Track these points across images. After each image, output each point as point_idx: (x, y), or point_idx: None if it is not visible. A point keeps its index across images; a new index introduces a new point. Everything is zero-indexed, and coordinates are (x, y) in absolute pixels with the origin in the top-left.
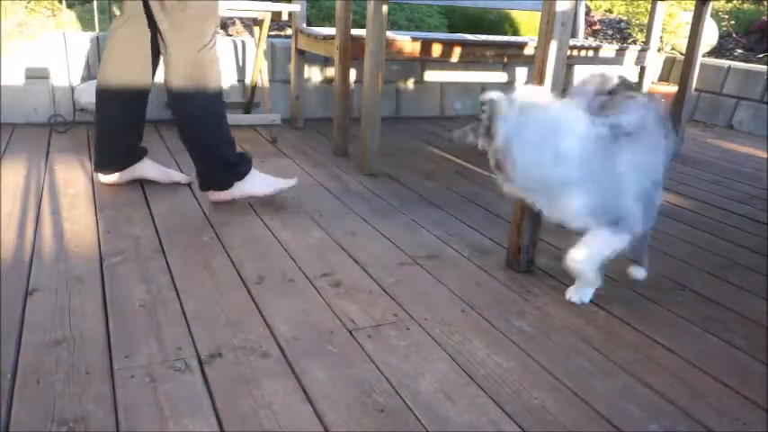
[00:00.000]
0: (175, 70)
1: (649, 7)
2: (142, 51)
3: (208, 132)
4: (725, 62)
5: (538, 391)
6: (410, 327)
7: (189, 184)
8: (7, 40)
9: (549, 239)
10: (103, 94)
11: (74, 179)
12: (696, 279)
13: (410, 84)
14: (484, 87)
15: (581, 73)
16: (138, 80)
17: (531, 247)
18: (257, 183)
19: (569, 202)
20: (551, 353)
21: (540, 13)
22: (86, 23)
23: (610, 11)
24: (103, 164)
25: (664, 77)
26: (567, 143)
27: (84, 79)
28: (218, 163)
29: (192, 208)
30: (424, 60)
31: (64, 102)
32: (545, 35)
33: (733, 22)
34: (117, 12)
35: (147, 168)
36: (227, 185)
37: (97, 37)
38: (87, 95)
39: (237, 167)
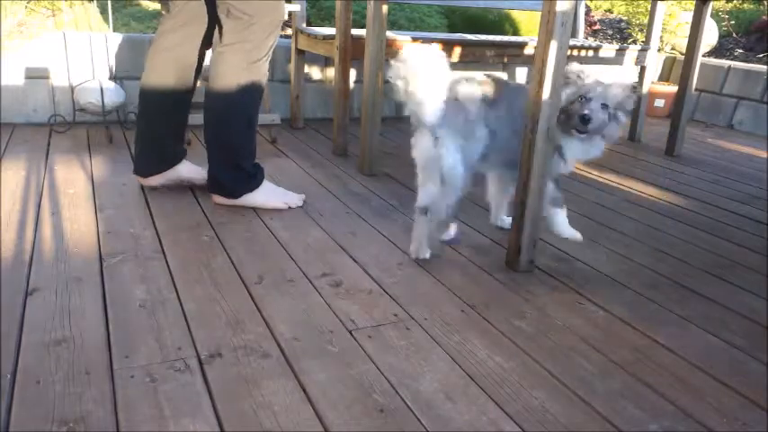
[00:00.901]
0: (224, 73)
1: (649, 7)
2: (192, 55)
3: (232, 136)
4: (725, 62)
5: (538, 391)
6: (410, 327)
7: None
8: (7, 40)
9: (549, 239)
10: (149, 97)
11: (74, 179)
12: (696, 279)
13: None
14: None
15: None
16: (184, 84)
17: (531, 247)
18: (266, 196)
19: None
20: (551, 353)
21: (540, 13)
22: (86, 24)
23: (610, 11)
24: (147, 168)
25: (664, 77)
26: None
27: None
28: (233, 170)
29: (192, 208)
30: None
31: (64, 102)
32: (545, 35)
33: (733, 22)
34: (115, 11)
35: (184, 170)
36: (235, 195)
37: (104, 36)
38: (87, 95)
39: (251, 180)
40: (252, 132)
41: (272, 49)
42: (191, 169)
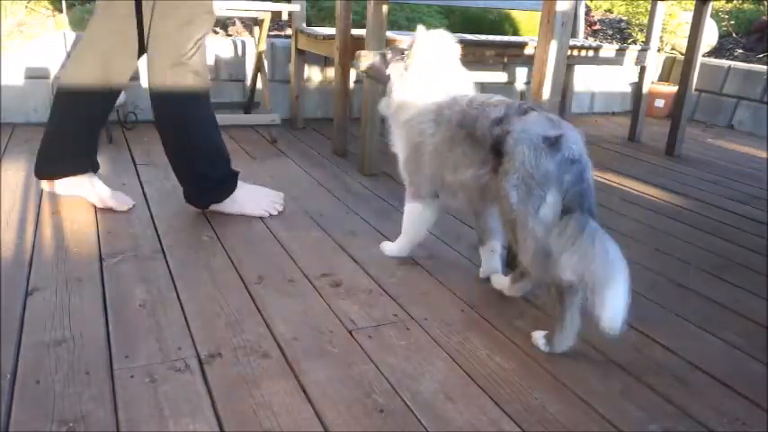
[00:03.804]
0: (150, 78)
1: (649, 7)
2: (120, 55)
3: (180, 144)
4: (725, 62)
5: (538, 391)
6: (410, 327)
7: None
8: (7, 40)
9: None
10: (69, 93)
11: None
12: (696, 279)
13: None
14: (484, 87)
15: (581, 73)
16: (108, 84)
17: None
18: (241, 204)
19: (396, 141)
20: (551, 353)
21: (540, 13)
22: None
23: (610, 11)
24: (47, 168)
25: (664, 77)
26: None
27: None
28: (196, 179)
29: (192, 208)
30: None
31: None
32: (545, 35)
33: (733, 22)
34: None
35: (91, 184)
36: (203, 204)
37: None
38: None
39: (218, 188)
40: (210, 135)
41: (199, 42)
42: (100, 188)
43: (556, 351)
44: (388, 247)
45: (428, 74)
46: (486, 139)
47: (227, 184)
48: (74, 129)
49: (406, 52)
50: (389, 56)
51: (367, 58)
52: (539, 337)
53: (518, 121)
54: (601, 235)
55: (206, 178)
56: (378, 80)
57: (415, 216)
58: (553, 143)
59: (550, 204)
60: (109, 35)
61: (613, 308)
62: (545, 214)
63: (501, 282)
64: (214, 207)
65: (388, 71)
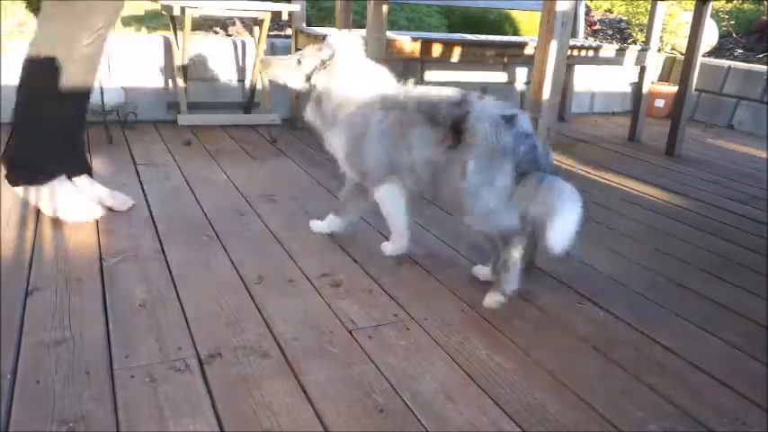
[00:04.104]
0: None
1: (649, 7)
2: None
3: (19, 114)
4: (725, 62)
5: (538, 391)
6: (410, 327)
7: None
8: (7, 40)
9: None
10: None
11: None
12: (696, 279)
13: (410, 84)
14: (484, 87)
15: (581, 73)
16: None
17: (531, 247)
18: (56, 200)
19: (335, 140)
20: (551, 353)
21: (540, 13)
22: None
23: (610, 11)
24: (29, 174)
25: (664, 77)
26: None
27: None
28: (14, 150)
29: (192, 208)
30: (424, 60)
31: None
32: (545, 35)
33: (733, 22)
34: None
35: (89, 186)
36: (10, 180)
37: None
38: None
39: (30, 169)
40: (42, 118)
41: (77, 39)
42: (98, 188)
43: (507, 295)
44: (389, 248)
45: (359, 71)
46: (447, 120)
47: (42, 168)
48: (56, 130)
49: (323, 56)
50: (305, 61)
51: (275, 66)
52: (491, 301)
53: (477, 102)
54: (558, 181)
55: (22, 150)
56: (290, 86)
57: (389, 198)
58: (509, 120)
59: (506, 173)
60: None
61: (560, 230)
62: (500, 181)
63: (482, 272)
64: (27, 193)
65: (311, 77)
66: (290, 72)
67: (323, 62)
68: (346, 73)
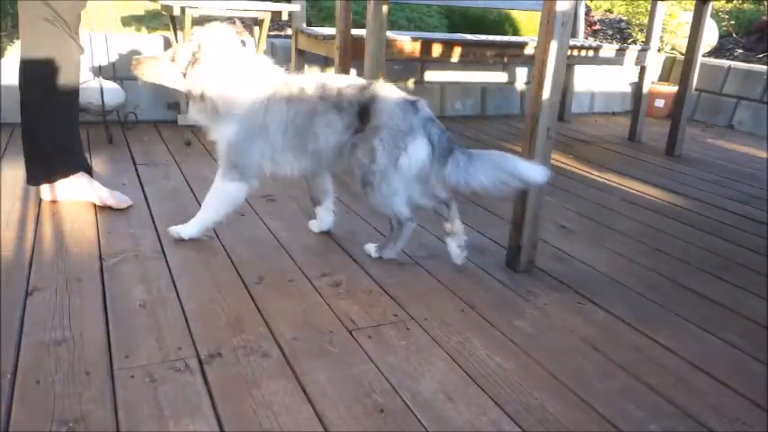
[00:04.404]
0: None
1: (649, 7)
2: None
3: (24, 119)
4: (725, 62)
5: (538, 391)
6: (410, 327)
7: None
8: (7, 40)
9: (549, 239)
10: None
11: None
12: (696, 279)
13: (410, 84)
14: (484, 87)
15: (581, 73)
16: (66, 80)
17: (530, 247)
18: (72, 191)
19: (222, 133)
20: (551, 353)
21: (540, 13)
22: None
23: (610, 11)
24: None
25: (664, 77)
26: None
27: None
28: (26, 150)
29: (193, 208)
30: (424, 60)
31: None
32: (545, 35)
33: (733, 22)
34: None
35: (88, 184)
36: (30, 182)
37: (104, 36)
38: (87, 95)
39: (47, 167)
40: (48, 113)
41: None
42: (98, 187)
43: (383, 257)
44: (179, 228)
45: (239, 62)
46: (354, 106)
47: (58, 163)
48: (53, 128)
49: (192, 48)
50: (178, 57)
51: (147, 65)
52: (371, 248)
53: (380, 89)
54: (481, 152)
55: (38, 154)
56: (167, 85)
57: (232, 196)
58: (413, 104)
59: (411, 152)
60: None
61: (527, 167)
62: (404, 162)
63: (370, 249)
64: (45, 191)
65: (186, 73)
66: (165, 70)
67: (194, 55)
68: (226, 65)
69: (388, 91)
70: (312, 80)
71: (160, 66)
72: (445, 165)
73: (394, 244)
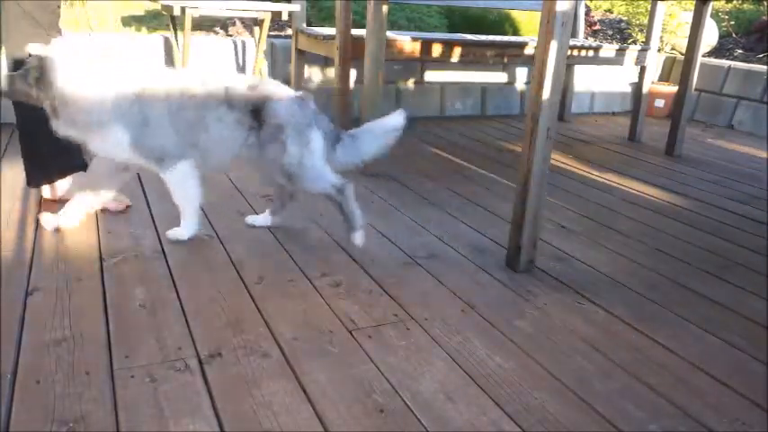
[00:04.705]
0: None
1: (649, 7)
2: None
3: (18, 122)
4: (725, 62)
5: (538, 391)
6: (410, 327)
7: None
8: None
9: (549, 239)
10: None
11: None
12: (696, 279)
13: (410, 84)
14: (484, 87)
15: (581, 73)
16: None
17: (530, 247)
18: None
19: (114, 137)
20: (551, 353)
21: (540, 13)
22: (85, 23)
23: (610, 11)
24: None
25: (664, 77)
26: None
27: None
28: (23, 152)
29: None
30: (424, 60)
31: None
32: (545, 35)
33: (733, 22)
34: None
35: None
36: (30, 183)
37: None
38: None
39: (44, 168)
40: (43, 114)
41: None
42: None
43: (361, 227)
44: (179, 232)
45: (88, 68)
46: (246, 104)
47: (53, 163)
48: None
49: (35, 68)
50: (29, 73)
51: (10, 84)
52: (357, 237)
53: (272, 88)
54: (357, 129)
55: (36, 155)
56: (29, 99)
57: (183, 176)
58: (303, 99)
59: (315, 139)
60: None
61: (391, 119)
62: (315, 147)
63: (254, 220)
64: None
65: (40, 92)
66: (20, 89)
67: (35, 70)
68: (68, 74)
69: (280, 90)
70: (195, 75)
71: (17, 82)
72: (335, 149)
73: (352, 213)
